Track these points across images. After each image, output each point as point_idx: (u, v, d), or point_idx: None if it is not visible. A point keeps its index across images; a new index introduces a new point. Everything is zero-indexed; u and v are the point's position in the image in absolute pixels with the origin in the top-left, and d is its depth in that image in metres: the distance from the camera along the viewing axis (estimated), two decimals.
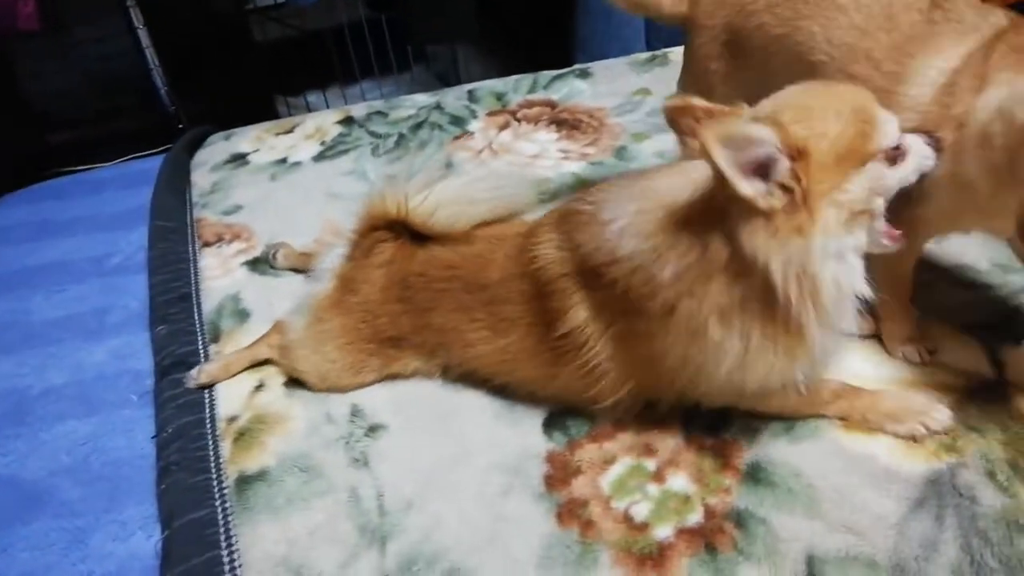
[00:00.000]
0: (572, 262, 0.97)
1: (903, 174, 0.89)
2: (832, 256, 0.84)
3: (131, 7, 2.01)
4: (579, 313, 0.96)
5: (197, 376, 1.19)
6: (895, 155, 0.88)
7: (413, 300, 1.09)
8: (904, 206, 0.92)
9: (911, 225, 0.97)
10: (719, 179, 0.80)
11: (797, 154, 0.81)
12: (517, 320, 1.02)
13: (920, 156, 0.90)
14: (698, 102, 0.92)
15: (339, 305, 1.11)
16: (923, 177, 0.91)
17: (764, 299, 0.85)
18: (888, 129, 0.87)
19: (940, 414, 0.97)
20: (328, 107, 2.60)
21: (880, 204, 0.87)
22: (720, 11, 1.15)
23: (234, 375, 1.20)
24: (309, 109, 2.63)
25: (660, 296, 0.89)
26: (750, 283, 0.84)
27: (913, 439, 0.97)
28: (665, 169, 0.99)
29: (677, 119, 0.93)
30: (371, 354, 1.11)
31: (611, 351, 0.96)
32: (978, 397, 1.01)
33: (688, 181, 0.89)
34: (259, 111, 2.25)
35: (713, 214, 0.85)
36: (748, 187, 0.80)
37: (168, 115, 2.02)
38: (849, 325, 0.90)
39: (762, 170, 0.81)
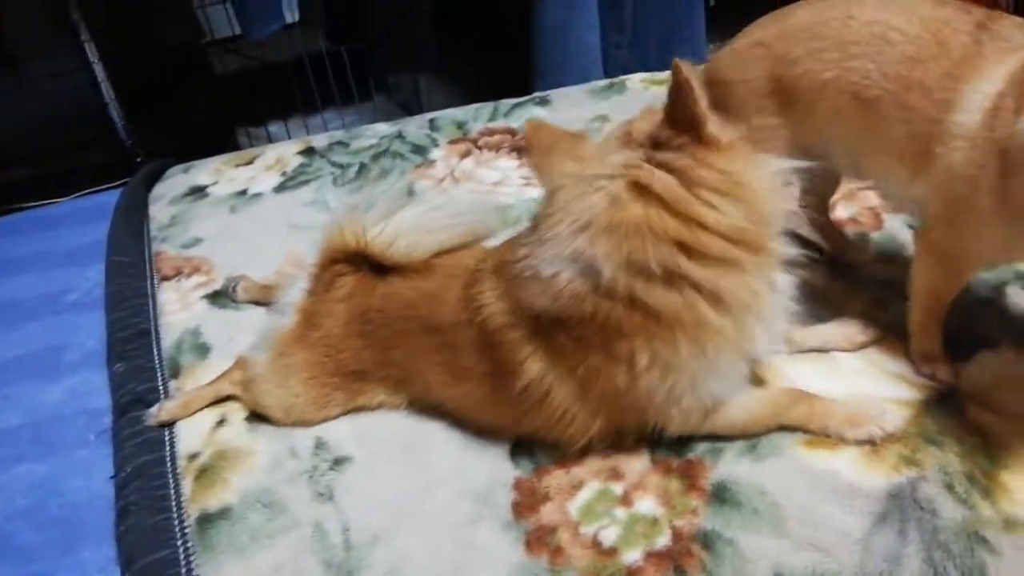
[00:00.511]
0: (517, 311, 0.96)
1: None
2: None
3: (86, 42, 1.99)
4: (534, 364, 0.96)
5: (157, 414, 1.16)
6: None
7: (375, 335, 1.08)
8: (953, 240, 0.94)
9: (962, 260, 1.00)
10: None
11: None
12: (472, 369, 1.02)
13: None
14: (554, 126, 0.95)
15: (302, 340, 1.10)
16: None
17: None
18: None
19: (893, 416, 1.00)
20: (290, 137, 2.59)
21: None
22: (754, 65, 1.10)
23: (195, 412, 1.18)
24: (271, 140, 2.62)
25: (613, 312, 0.89)
26: None
27: (871, 443, 0.98)
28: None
29: (532, 142, 0.94)
30: (336, 388, 1.10)
31: (576, 394, 0.96)
32: (935, 410, 1.03)
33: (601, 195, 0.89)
34: (219, 143, 2.23)
35: None
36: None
37: (126, 149, 2.00)
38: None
39: None
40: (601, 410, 0.98)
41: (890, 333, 1.14)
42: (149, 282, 1.49)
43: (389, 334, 1.08)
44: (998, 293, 1.21)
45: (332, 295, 1.10)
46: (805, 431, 1.01)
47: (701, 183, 0.86)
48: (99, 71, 1.95)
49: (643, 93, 1.92)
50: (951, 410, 1.03)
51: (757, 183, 0.89)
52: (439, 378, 1.07)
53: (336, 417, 1.13)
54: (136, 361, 1.30)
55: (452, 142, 1.85)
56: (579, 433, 1.00)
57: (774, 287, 0.93)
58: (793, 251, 0.94)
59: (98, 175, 1.99)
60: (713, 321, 0.89)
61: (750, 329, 0.92)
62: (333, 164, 1.81)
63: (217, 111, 2.49)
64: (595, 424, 0.99)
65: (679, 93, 0.84)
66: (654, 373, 0.92)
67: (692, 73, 0.83)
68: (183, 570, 0.97)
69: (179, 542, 1.01)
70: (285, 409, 1.11)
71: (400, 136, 1.89)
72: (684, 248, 0.87)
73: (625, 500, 0.98)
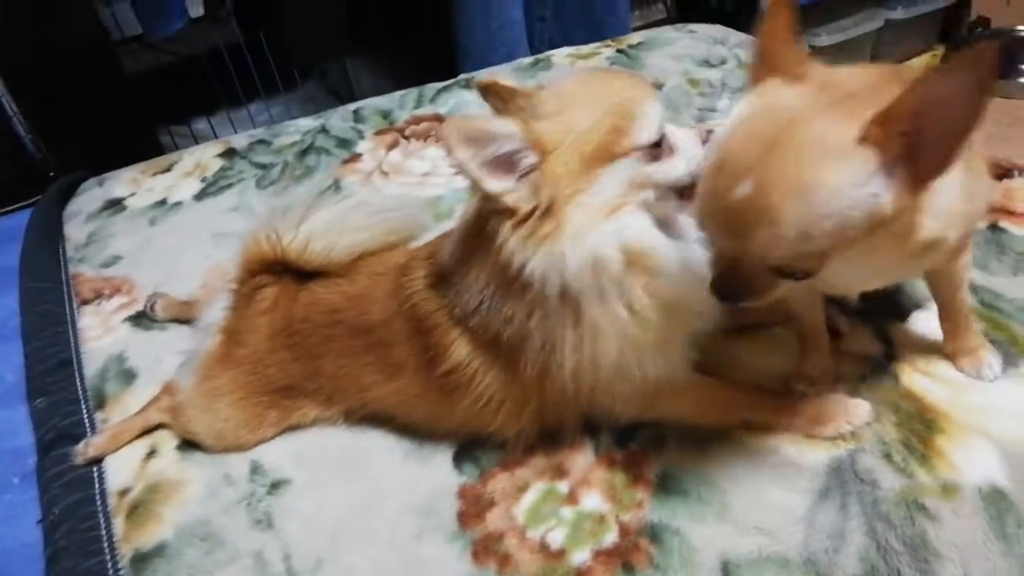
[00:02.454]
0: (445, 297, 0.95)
1: (668, 171, 0.86)
2: (589, 254, 0.83)
3: None
4: (460, 349, 0.94)
5: (84, 451, 1.11)
6: (657, 152, 0.85)
7: (301, 346, 1.04)
8: None
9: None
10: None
11: (541, 151, 0.80)
12: (405, 362, 1.00)
13: (690, 154, 0.87)
14: (504, 81, 0.91)
15: (226, 359, 1.06)
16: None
17: None
18: (645, 125, 0.84)
19: (861, 409, 0.97)
20: (216, 134, 2.50)
21: (648, 196, 0.86)
22: None
23: (124, 445, 1.13)
24: (196, 138, 2.53)
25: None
26: None
27: (841, 439, 0.96)
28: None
29: (487, 97, 0.91)
30: (266, 407, 1.07)
31: (502, 380, 0.94)
32: (870, 380, 1.03)
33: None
34: (140, 147, 2.14)
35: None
36: (494, 184, 0.79)
37: (36, 164, 1.90)
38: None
39: (513, 167, 0.80)
40: (530, 397, 0.95)
41: None
42: (68, 307, 1.42)
43: (316, 342, 1.05)
44: None
45: (254, 309, 1.06)
46: (770, 430, 0.98)
47: None
48: None
49: (569, 69, 1.89)
50: (884, 377, 1.03)
51: None
52: (372, 379, 1.03)
53: (271, 438, 1.09)
54: (58, 394, 1.24)
55: (378, 133, 1.80)
56: (508, 421, 0.98)
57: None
58: None
59: (7, 194, 1.89)
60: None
61: (674, 307, 0.90)
62: (255, 165, 1.75)
63: (134, 113, 2.38)
64: (525, 412, 0.97)
65: None
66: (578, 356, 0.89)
67: None
68: None
69: None
70: (216, 434, 1.07)
71: (324, 130, 1.84)
72: None
73: (571, 498, 0.97)
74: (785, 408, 0.99)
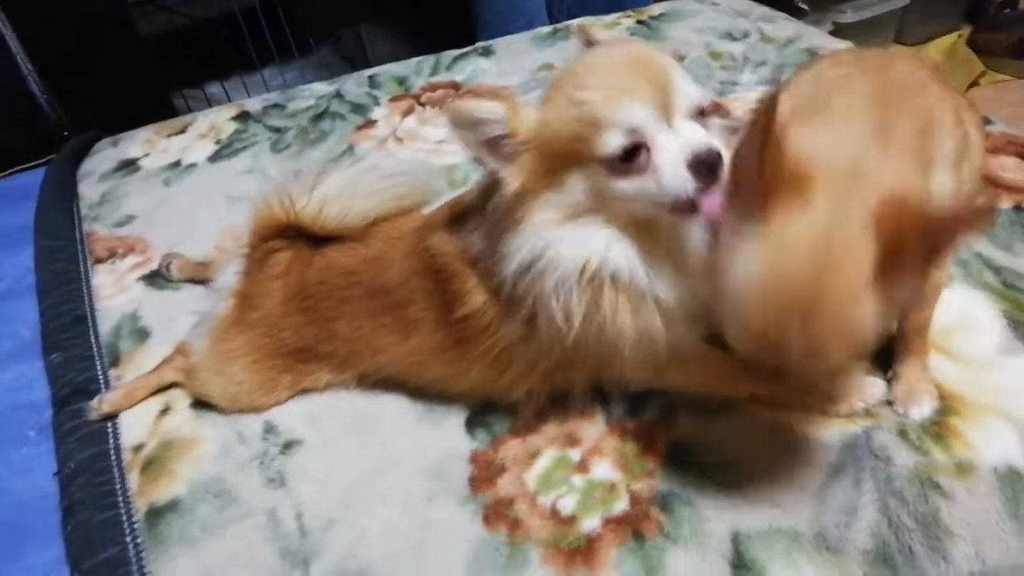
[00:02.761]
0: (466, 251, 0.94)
1: (636, 188, 0.78)
2: (537, 253, 0.84)
3: None
4: (478, 296, 0.93)
5: (98, 406, 1.11)
6: (627, 167, 0.78)
7: (316, 310, 1.04)
8: None
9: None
10: None
11: (521, 141, 0.81)
12: (422, 318, 0.99)
13: (667, 175, 0.77)
14: (597, 33, 0.93)
15: (240, 323, 1.06)
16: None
17: None
18: (607, 138, 0.76)
19: (875, 387, 0.97)
20: (229, 98, 2.49)
21: (619, 209, 0.82)
22: None
23: (138, 402, 1.13)
24: (209, 102, 2.52)
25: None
26: None
27: (856, 416, 0.96)
28: None
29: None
30: (280, 371, 1.07)
31: (514, 334, 0.93)
32: (888, 354, 1.02)
33: None
34: (153, 109, 2.14)
35: None
36: (490, 162, 0.83)
37: (51, 124, 1.89)
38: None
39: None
40: (540, 356, 0.94)
41: None
42: (82, 265, 1.42)
43: (331, 305, 1.05)
44: None
45: (267, 273, 1.06)
46: (779, 405, 0.98)
47: None
48: (12, 42, 1.83)
49: (610, 38, 1.86)
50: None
51: None
52: (387, 340, 1.03)
53: (285, 401, 1.09)
54: (73, 350, 1.24)
55: (394, 99, 1.78)
56: (520, 380, 0.98)
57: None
58: None
59: (21, 154, 1.88)
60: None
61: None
62: (269, 129, 1.74)
63: (146, 75, 2.37)
64: (535, 371, 0.96)
65: None
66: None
67: None
68: (134, 567, 0.94)
69: (128, 538, 0.97)
70: (231, 397, 1.08)
71: (339, 95, 1.82)
72: None
73: (582, 466, 0.97)
74: (796, 385, 0.98)
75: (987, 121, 1.43)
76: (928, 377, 0.98)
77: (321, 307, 1.04)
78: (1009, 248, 1.18)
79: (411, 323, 1.00)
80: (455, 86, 1.80)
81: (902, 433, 0.93)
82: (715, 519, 0.89)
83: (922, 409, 0.95)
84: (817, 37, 1.79)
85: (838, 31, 2.81)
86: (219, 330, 1.07)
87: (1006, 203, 1.26)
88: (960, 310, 1.08)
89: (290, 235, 1.06)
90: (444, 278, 0.96)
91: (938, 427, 0.94)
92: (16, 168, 1.87)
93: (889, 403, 0.97)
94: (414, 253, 1.01)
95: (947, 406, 0.96)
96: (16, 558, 1.00)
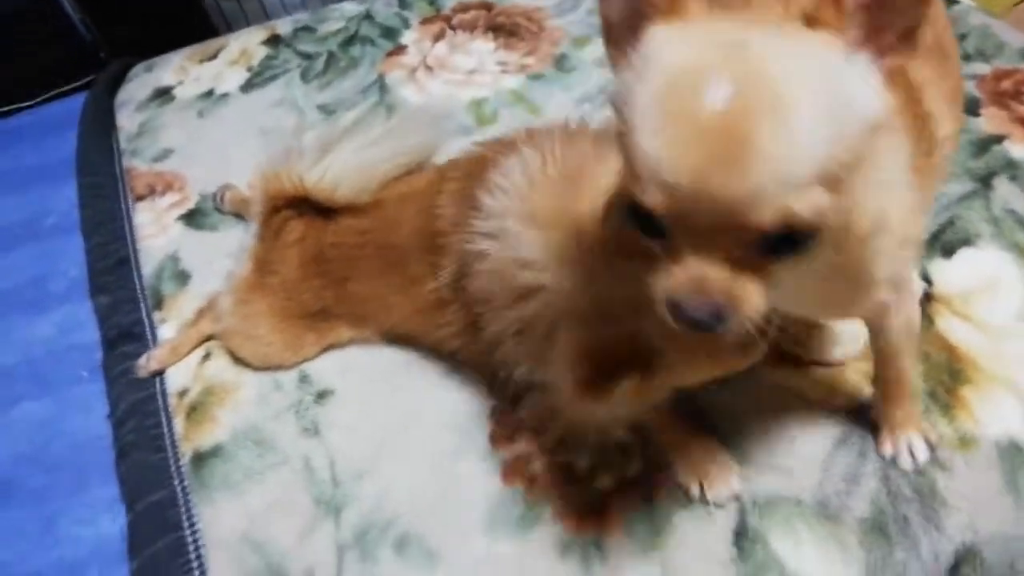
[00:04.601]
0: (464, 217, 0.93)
1: None
2: None
3: None
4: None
5: (147, 364, 1.18)
6: None
7: (331, 272, 1.08)
8: None
9: None
10: None
11: None
12: (423, 277, 1.00)
13: None
14: None
15: (262, 287, 1.10)
16: None
17: None
18: None
19: (726, 487, 0.91)
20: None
21: None
22: None
23: (184, 356, 1.19)
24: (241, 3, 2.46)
25: None
26: None
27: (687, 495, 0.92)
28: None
29: None
30: (304, 329, 1.11)
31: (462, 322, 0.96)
32: None
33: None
34: (188, 22, 2.11)
35: None
36: None
37: (87, 45, 1.89)
38: None
39: None
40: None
41: None
42: (123, 203, 1.47)
43: (345, 265, 1.08)
44: (983, 185, 1.18)
45: (283, 241, 1.09)
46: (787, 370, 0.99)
47: None
48: None
49: None
50: (921, 322, 1.02)
51: None
52: (394, 298, 1.06)
53: (314, 357, 1.15)
54: (118, 292, 1.31)
55: (424, 22, 1.74)
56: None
57: None
58: None
59: (59, 75, 1.90)
60: None
61: None
62: (300, 55, 1.72)
63: None
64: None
65: None
66: None
67: None
68: (182, 509, 1.03)
69: (176, 481, 1.06)
70: (262, 357, 1.13)
71: (369, 17, 1.78)
72: None
73: (599, 428, 1.01)
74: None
75: None
76: (916, 420, 0.92)
77: (336, 269, 1.08)
78: None
79: (413, 280, 1.02)
80: (487, 6, 1.74)
81: None
82: (723, 485, 0.93)
83: (916, 456, 0.90)
84: None
85: None
86: (241, 292, 1.11)
87: None
88: (985, 272, 1.07)
89: (300, 205, 1.08)
90: (437, 246, 0.97)
91: (949, 396, 0.95)
92: (55, 92, 1.89)
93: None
94: (422, 211, 1.01)
95: (959, 375, 0.97)
96: (79, 494, 1.10)
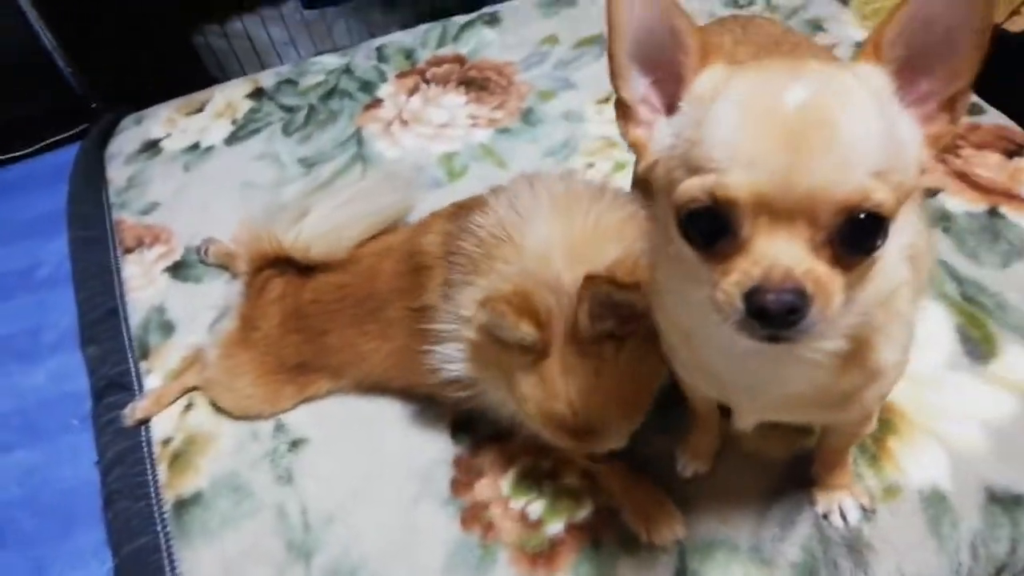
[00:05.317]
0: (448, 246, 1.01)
1: None
2: None
3: None
4: (434, 293, 1.02)
5: (132, 413, 1.24)
6: None
7: (310, 327, 1.15)
8: None
9: None
10: None
11: None
12: (400, 320, 1.07)
13: None
14: None
15: (244, 342, 1.18)
16: None
17: None
18: None
19: (670, 532, 0.98)
20: (248, 36, 2.48)
21: None
22: None
23: (167, 406, 1.26)
24: (228, 38, 2.51)
25: None
26: None
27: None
28: None
29: None
30: (283, 383, 1.19)
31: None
32: None
33: None
34: (177, 56, 2.15)
35: None
36: None
37: (78, 97, 1.96)
38: None
39: None
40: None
41: None
42: (113, 255, 1.54)
43: (323, 320, 1.15)
44: None
45: (265, 298, 1.17)
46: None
47: None
48: (34, 19, 1.88)
49: (590, 7, 1.86)
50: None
51: None
52: (370, 345, 1.12)
53: (291, 409, 1.21)
54: (107, 343, 1.38)
55: (400, 75, 1.82)
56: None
57: None
58: None
59: (50, 126, 1.97)
60: None
61: None
62: (282, 108, 1.80)
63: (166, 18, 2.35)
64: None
65: None
66: None
67: None
68: (164, 555, 1.09)
69: (159, 527, 1.12)
70: (242, 409, 1.20)
71: (348, 71, 1.87)
72: None
73: (552, 474, 1.08)
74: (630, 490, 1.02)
75: (979, 110, 1.44)
76: (850, 481, 0.98)
77: (314, 324, 1.15)
78: (975, 257, 1.21)
79: (391, 326, 1.09)
80: (460, 60, 1.83)
81: None
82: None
83: (848, 516, 0.96)
84: (825, 6, 1.76)
85: None
86: (226, 346, 1.19)
87: (982, 205, 1.29)
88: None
89: (280, 263, 1.16)
90: (419, 268, 1.04)
91: (876, 447, 1.02)
92: (46, 141, 1.96)
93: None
94: (403, 256, 1.09)
95: (889, 423, 1.04)
96: (67, 539, 1.17)
